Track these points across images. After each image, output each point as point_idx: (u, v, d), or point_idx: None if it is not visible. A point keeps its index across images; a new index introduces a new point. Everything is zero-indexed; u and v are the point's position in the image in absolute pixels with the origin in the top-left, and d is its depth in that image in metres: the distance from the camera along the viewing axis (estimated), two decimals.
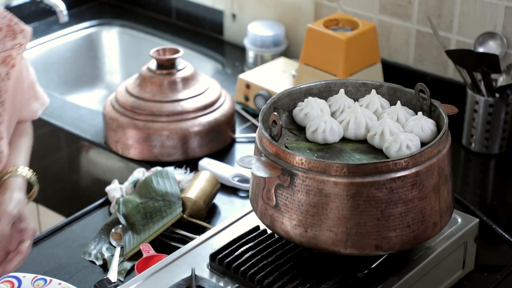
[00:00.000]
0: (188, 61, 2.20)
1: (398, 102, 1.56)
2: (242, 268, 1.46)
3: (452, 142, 1.49)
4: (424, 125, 1.50)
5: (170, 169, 1.93)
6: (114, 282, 1.64)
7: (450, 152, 1.48)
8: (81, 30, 2.83)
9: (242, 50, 2.62)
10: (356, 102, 1.59)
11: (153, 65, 2.13)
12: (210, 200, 1.87)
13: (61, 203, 2.34)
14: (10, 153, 1.64)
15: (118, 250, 1.74)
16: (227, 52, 2.68)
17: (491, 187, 2.07)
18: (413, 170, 1.39)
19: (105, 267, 1.71)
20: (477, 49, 2.16)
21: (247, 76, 2.33)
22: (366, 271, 1.47)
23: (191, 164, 2.04)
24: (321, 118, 1.50)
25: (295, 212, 1.42)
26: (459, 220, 1.62)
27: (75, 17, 2.86)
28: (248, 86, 2.29)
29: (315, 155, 1.47)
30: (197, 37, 2.78)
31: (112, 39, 2.88)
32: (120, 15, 2.93)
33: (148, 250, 1.67)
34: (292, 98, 1.61)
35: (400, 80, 1.89)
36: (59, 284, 1.55)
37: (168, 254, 1.58)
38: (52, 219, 2.35)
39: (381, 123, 1.49)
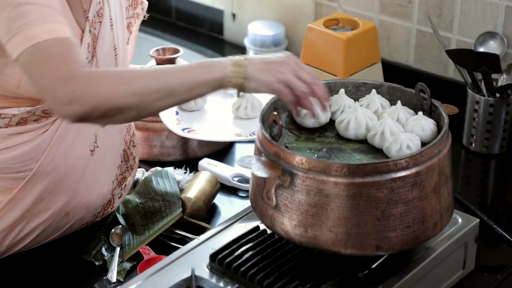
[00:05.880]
0: (188, 61, 2.20)
1: (399, 102, 1.55)
2: (242, 269, 1.46)
3: (452, 142, 1.49)
4: (424, 125, 1.50)
5: (170, 169, 1.92)
6: (114, 282, 1.64)
7: (450, 152, 1.47)
8: None
9: (242, 50, 2.62)
10: (356, 102, 1.58)
11: (153, 65, 2.13)
12: (210, 200, 1.87)
13: None
14: None
15: (117, 250, 1.73)
16: (227, 52, 2.68)
17: (492, 187, 2.06)
18: (413, 170, 1.39)
19: (105, 267, 1.71)
20: (477, 49, 2.16)
21: None
22: (366, 271, 1.47)
23: (191, 164, 2.04)
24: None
25: (295, 212, 1.41)
26: (460, 220, 1.61)
27: None
28: None
29: (315, 155, 1.47)
30: (197, 37, 2.77)
31: None
32: None
33: (148, 253, 1.67)
34: None
35: (400, 80, 1.88)
36: None
37: (168, 254, 1.58)
38: None
39: (382, 123, 1.49)
